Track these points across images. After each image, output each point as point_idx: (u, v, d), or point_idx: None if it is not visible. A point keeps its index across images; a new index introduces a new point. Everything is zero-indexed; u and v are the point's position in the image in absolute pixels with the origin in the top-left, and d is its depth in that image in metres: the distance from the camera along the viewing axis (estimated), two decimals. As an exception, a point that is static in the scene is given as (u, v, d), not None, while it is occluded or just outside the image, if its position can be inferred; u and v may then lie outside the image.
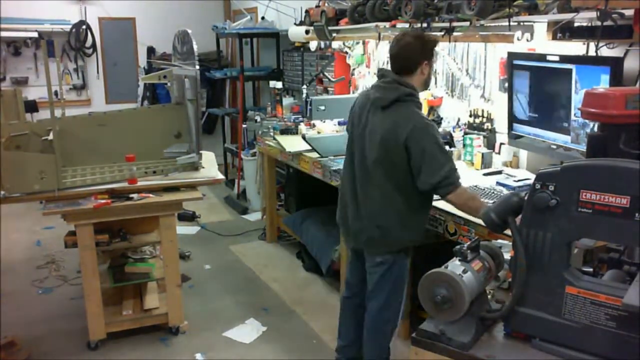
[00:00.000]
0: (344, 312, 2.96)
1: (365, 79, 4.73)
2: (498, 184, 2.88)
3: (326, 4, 4.41)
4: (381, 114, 2.52)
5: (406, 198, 2.52)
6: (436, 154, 2.40)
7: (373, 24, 3.70)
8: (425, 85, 2.66)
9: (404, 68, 2.53)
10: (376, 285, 2.67)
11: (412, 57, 2.52)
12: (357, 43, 4.79)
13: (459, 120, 3.71)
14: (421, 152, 2.41)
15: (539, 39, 2.74)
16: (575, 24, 2.52)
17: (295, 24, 5.31)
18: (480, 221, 2.22)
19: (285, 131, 4.62)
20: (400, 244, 2.60)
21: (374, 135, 2.53)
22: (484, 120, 3.48)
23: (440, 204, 2.69)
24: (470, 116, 3.59)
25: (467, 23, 2.87)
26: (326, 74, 4.99)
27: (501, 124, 3.31)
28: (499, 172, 3.14)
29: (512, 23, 2.60)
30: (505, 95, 3.14)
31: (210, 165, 3.52)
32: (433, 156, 2.40)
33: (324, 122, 4.57)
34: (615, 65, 2.35)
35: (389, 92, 2.50)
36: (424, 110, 3.87)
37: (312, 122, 4.56)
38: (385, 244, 2.59)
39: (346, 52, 4.96)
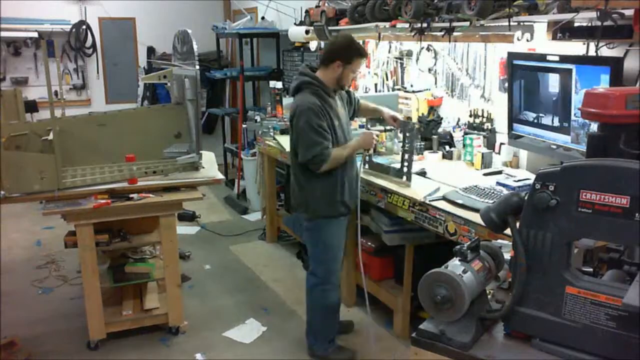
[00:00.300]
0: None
1: (365, 79, 4.73)
2: (498, 184, 2.88)
3: (326, 4, 4.41)
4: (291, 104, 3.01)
5: (302, 169, 2.93)
6: (309, 136, 2.80)
7: (373, 24, 3.70)
8: (339, 84, 2.95)
9: (322, 60, 2.94)
10: (307, 247, 3.14)
11: (329, 53, 2.91)
12: (357, 43, 4.79)
13: (459, 120, 3.71)
14: (297, 130, 2.85)
15: (539, 39, 2.74)
16: (575, 24, 2.52)
17: (295, 24, 5.31)
18: (481, 221, 2.23)
19: (285, 131, 4.61)
20: (312, 212, 2.97)
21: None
22: (484, 120, 3.48)
23: (440, 204, 2.70)
24: (470, 116, 3.59)
25: (467, 23, 2.87)
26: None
27: (501, 124, 3.31)
28: (499, 172, 3.14)
29: (512, 23, 2.60)
30: (505, 95, 3.14)
31: (210, 165, 3.52)
32: (301, 137, 2.83)
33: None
34: (615, 65, 2.35)
35: (294, 82, 2.99)
36: (424, 110, 3.88)
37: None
38: (304, 212, 3.02)
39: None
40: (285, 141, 4.31)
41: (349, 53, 2.86)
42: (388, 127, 3.61)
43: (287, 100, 5.56)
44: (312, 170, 2.88)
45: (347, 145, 2.97)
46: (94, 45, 7.05)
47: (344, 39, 2.98)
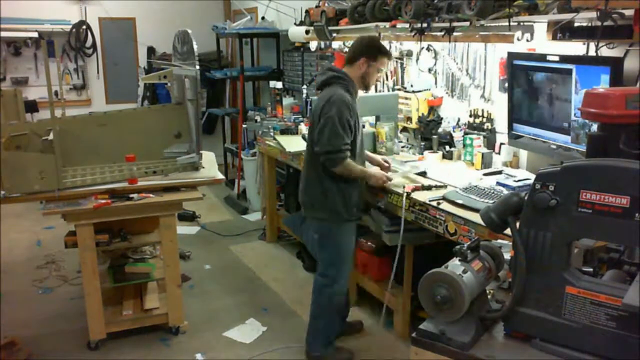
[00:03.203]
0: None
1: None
2: (498, 184, 2.88)
3: (326, 4, 4.41)
4: (317, 98, 2.95)
5: (327, 176, 2.86)
6: (333, 129, 2.73)
7: (373, 24, 3.70)
8: (363, 83, 2.95)
9: (347, 58, 2.95)
10: (315, 251, 3.07)
11: (355, 51, 2.92)
12: (357, 43, 4.79)
13: (459, 120, 3.71)
14: (324, 120, 2.75)
15: (539, 39, 2.74)
16: (575, 24, 2.52)
17: (295, 24, 5.31)
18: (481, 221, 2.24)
19: (285, 131, 4.62)
20: (329, 214, 2.90)
21: (311, 118, 2.98)
22: (484, 120, 3.48)
23: (442, 205, 2.69)
24: (470, 116, 3.58)
25: (467, 23, 2.88)
26: (326, 74, 4.98)
27: (501, 124, 3.31)
28: (499, 172, 3.13)
29: (512, 23, 2.60)
30: (505, 95, 3.14)
31: (210, 165, 3.52)
32: (327, 127, 2.74)
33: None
34: (615, 65, 2.35)
35: (321, 76, 2.98)
36: (424, 111, 3.88)
37: (312, 122, 4.56)
38: (314, 213, 2.96)
39: (346, 52, 4.95)
40: (285, 141, 4.32)
41: (374, 50, 2.89)
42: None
43: (287, 100, 5.58)
44: (326, 165, 2.81)
45: (364, 168, 2.98)
46: (94, 45, 7.06)
47: (369, 38, 3.00)
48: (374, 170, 3.08)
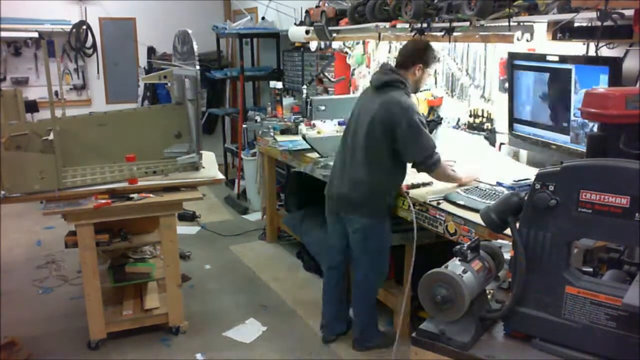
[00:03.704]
0: (327, 286, 3.28)
1: (366, 79, 4.73)
2: (498, 184, 2.88)
3: (326, 4, 4.41)
4: (374, 95, 2.91)
5: (384, 168, 2.86)
6: (421, 134, 2.76)
7: (373, 24, 3.70)
8: (415, 87, 2.99)
9: (401, 63, 2.94)
10: (359, 249, 3.01)
11: (410, 56, 2.92)
12: (357, 43, 4.79)
13: (459, 120, 3.71)
14: (407, 129, 2.75)
15: (539, 39, 2.74)
16: (575, 24, 2.52)
17: (295, 24, 5.30)
18: (480, 221, 2.24)
19: (285, 131, 4.62)
20: (375, 209, 2.92)
21: (366, 112, 2.90)
22: (484, 120, 3.48)
23: (442, 205, 2.70)
24: (470, 116, 3.59)
25: (467, 23, 2.87)
26: (326, 74, 4.99)
27: (501, 124, 3.31)
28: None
29: (512, 23, 2.59)
30: (505, 95, 3.14)
31: (210, 165, 3.52)
32: (418, 135, 2.76)
33: (324, 122, 4.57)
34: (613, 65, 2.35)
35: (383, 75, 2.92)
36: (424, 111, 3.88)
37: (312, 122, 4.56)
38: (362, 209, 2.93)
39: (346, 52, 4.96)
40: (285, 141, 4.32)
41: (429, 57, 2.93)
42: None
43: (287, 101, 5.57)
44: (427, 171, 2.83)
45: (454, 170, 2.96)
46: (94, 45, 7.06)
47: (425, 43, 2.99)
48: (464, 171, 3.01)
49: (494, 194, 2.70)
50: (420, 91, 3.87)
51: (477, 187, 2.83)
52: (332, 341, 3.31)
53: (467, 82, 3.62)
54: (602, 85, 2.37)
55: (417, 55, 2.91)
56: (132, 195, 3.10)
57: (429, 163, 2.79)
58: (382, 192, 2.92)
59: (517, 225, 1.40)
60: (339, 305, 3.30)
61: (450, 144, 3.61)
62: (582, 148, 2.55)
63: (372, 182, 2.90)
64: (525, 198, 1.39)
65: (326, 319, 3.33)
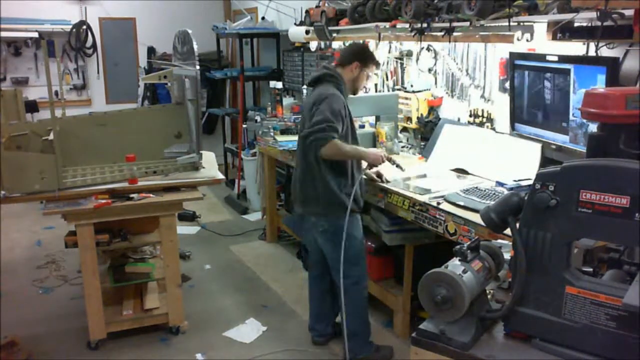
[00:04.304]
0: (312, 291, 3.32)
1: (366, 79, 4.72)
2: (498, 184, 2.88)
3: (326, 4, 4.41)
4: (310, 93, 3.02)
5: (321, 162, 2.83)
6: (323, 111, 2.73)
7: (373, 24, 3.69)
8: (353, 86, 3.04)
9: (340, 61, 3.04)
10: (327, 252, 3.01)
11: (349, 54, 3.03)
12: (357, 43, 4.79)
13: (459, 120, 3.71)
14: (316, 108, 2.77)
15: (539, 39, 2.74)
16: (575, 24, 2.52)
17: (295, 24, 5.31)
18: (480, 221, 2.24)
19: (285, 131, 4.62)
20: (331, 208, 2.88)
21: (303, 112, 3.03)
22: (484, 120, 3.48)
23: (442, 205, 2.70)
24: (470, 116, 3.58)
25: (467, 23, 2.87)
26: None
27: (501, 124, 3.31)
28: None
29: (512, 23, 2.60)
30: (505, 95, 3.14)
31: (210, 165, 3.52)
32: (320, 112, 2.74)
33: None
34: (611, 65, 2.35)
35: (315, 73, 3.04)
36: (424, 111, 3.87)
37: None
38: (322, 211, 2.92)
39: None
40: (285, 141, 4.31)
41: (366, 57, 3.03)
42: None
43: (287, 101, 5.58)
44: (315, 149, 2.75)
45: (357, 147, 2.93)
46: (94, 45, 7.05)
47: (362, 45, 3.14)
48: (370, 149, 3.06)
49: (494, 194, 2.70)
50: (420, 91, 3.90)
51: (476, 187, 2.83)
52: (321, 343, 3.30)
53: (467, 82, 3.61)
54: (599, 85, 2.37)
55: (354, 54, 3.01)
56: (132, 195, 3.10)
57: (317, 137, 2.70)
58: (328, 187, 2.86)
59: (517, 225, 1.40)
60: (323, 304, 3.29)
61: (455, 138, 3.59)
62: (581, 148, 2.55)
63: (315, 178, 2.89)
64: (525, 198, 1.39)
65: (311, 321, 3.36)
